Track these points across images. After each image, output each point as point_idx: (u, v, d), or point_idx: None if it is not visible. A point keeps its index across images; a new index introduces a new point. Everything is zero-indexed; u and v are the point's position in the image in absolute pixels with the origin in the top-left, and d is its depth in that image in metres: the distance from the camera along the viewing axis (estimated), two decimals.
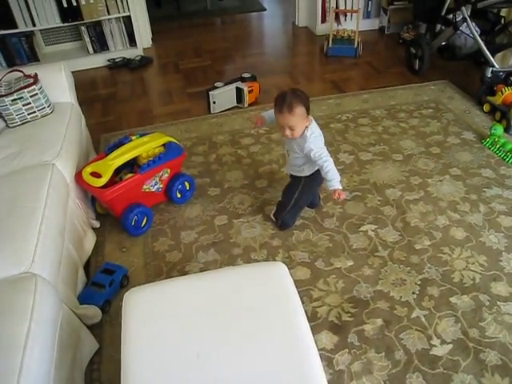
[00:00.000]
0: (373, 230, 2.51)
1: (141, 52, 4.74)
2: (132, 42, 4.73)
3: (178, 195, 2.71)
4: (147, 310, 1.48)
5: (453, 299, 2.15)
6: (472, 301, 2.14)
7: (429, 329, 2.03)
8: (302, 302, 1.53)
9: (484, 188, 2.80)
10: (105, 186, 2.36)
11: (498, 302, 2.14)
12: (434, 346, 1.97)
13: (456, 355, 1.93)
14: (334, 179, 2.14)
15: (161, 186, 2.63)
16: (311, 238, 2.47)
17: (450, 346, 1.96)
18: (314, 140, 2.16)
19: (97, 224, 2.60)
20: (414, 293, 2.18)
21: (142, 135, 2.63)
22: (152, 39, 5.05)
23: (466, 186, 2.82)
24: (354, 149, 3.16)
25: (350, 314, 2.08)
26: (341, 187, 2.15)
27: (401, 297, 2.16)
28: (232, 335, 1.39)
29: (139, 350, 1.37)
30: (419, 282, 2.22)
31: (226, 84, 3.60)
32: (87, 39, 4.61)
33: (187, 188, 2.75)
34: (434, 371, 1.87)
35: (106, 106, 3.92)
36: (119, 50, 4.72)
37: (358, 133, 3.33)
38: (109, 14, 4.50)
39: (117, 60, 4.63)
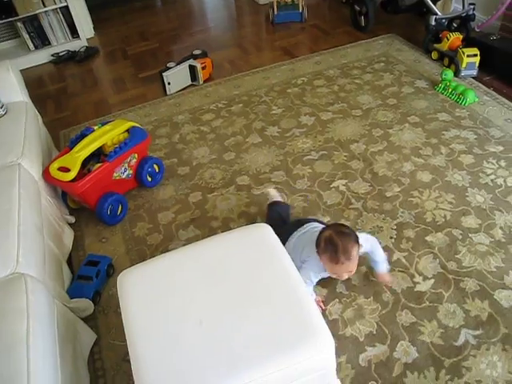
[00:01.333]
0: (344, 185, 2.59)
1: (85, 43, 4.62)
2: (74, 33, 4.59)
3: (149, 179, 2.71)
4: (143, 288, 1.50)
5: (428, 238, 2.26)
6: (446, 237, 2.26)
7: (410, 268, 2.13)
8: None
9: (443, 131, 2.92)
10: (74, 180, 2.34)
11: (470, 234, 2.26)
12: (418, 283, 2.07)
13: (438, 288, 2.05)
14: None
15: (130, 171, 2.62)
16: (286, 201, 2.52)
17: (432, 280, 2.08)
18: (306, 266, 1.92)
19: (72, 219, 2.58)
20: (391, 237, 2.28)
21: (103, 124, 2.60)
22: (94, 28, 4.92)
23: (425, 131, 2.93)
24: (313, 110, 3.21)
25: None
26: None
27: (380, 243, 2.24)
28: (231, 298, 1.43)
29: (142, 327, 1.40)
30: (395, 227, 2.33)
31: (178, 63, 3.57)
32: (26, 35, 4.42)
33: (156, 171, 2.75)
34: (420, 306, 1.98)
35: (59, 101, 3.83)
36: (62, 44, 4.59)
37: (315, 94, 3.38)
38: (44, 6, 4.31)
39: (61, 54, 4.51)
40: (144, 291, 1.49)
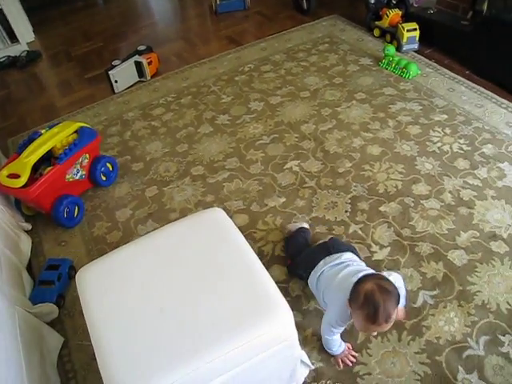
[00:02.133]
0: (297, 165, 2.64)
1: (25, 47, 4.48)
2: (12, 38, 4.43)
3: (103, 178, 2.69)
4: (102, 282, 1.50)
5: (382, 208, 2.33)
6: (399, 205, 2.34)
7: (367, 239, 2.20)
8: None
9: (389, 105, 3.00)
10: (26, 186, 2.31)
11: (421, 201, 2.35)
12: (375, 252, 2.14)
13: (395, 255, 2.12)
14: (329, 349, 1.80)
15: (83, 172, 2.59)
16: (241, 186, 2.56)
17: (388, 248, 2.15)
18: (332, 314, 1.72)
19: (28, 226, 2.54)
20: (346, 211, 2.34)
21: (51, 127, 2.56)
22: (34, 31, 4.77)
23: (372, 106, 3.00)
24: (262, 96, 3.24)
25: None
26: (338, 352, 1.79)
27: (336, 218, 2.31)
28: (189, 282, 1.45)
29: (104, 319, 1.40)
30: (349, 201, 2.39)
31: (123, 61, 3.52)
32: None
33: (110, 169, 2.73)
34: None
35: (4, 109, 3.72)
36: (1, 50, 4.45)
37: (263, 80, 3.41)
38: None
39: (1, 60, 4.37)
40: (103, 285, 1.49)
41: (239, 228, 2.09)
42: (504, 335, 1.82)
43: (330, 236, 2.19)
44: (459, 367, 1.75)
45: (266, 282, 1.43)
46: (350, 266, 1.76)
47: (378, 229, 2.24)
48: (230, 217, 2.27)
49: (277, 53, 3.73)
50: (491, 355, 1.77)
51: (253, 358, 1.37)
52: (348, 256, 1.83)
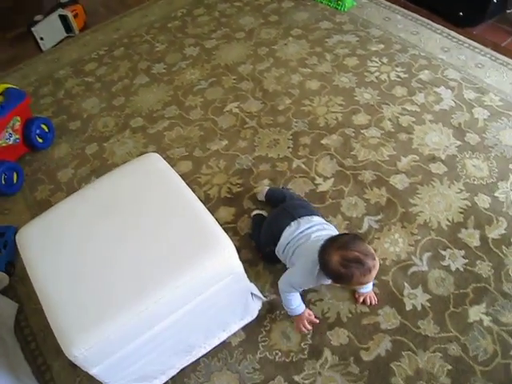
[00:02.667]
0: (236, 107, 2.61)
1: None
2: None
3: (40, 140, 2.59)
4: (43, 239, 1.47)
5: (324, 141, 2.35)
6: (340, 137, 2.36)
7: (310, 172, 2.22)
8: (193, 191, 1.58)
9: (326, 39, 2.97)
10: None
11: (362, 131, 2.37)
12: (319, 184, 2.17)
13: (339, 185, 2.16)
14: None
15: (17, 136, 2.48)
16: (183, 133, 2.52)
17: (332, 179, 2.18)
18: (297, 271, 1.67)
19: None
20: (289, 147, 2.35)
21: None
22: None
23: (309, 41, 2.97)
24: (197, 40, 3.15)
25: (238, 185, 2.21)
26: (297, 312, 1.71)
27: (278, 155, 2.31)
28: (131, 228, 1.43)
29: (48, 275, 1.38)
30: (291, 137, 2.39)
31: (46, 15, 3.32)
32: None
33: (46, 131, 2.62)
34: (324, 204, 2.09)
35: None
36: None
37: (196, 24, 3.30)
38: None
39: None
40: (43, 242, 1.46)
41: (184, 175, 2.09)
42: (445, 250, 1.90)
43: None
44: (405, 284, 1.82)
45: (205, 219, 1.43)
46: (323, 229, 1.71)
47: (321, 161, 2.26)
48: (174, 165, 2.28)
49: None
50: (434, 269, 1.85)
51: (202, 294, 1.39)
52: (319, 219, 1.78)
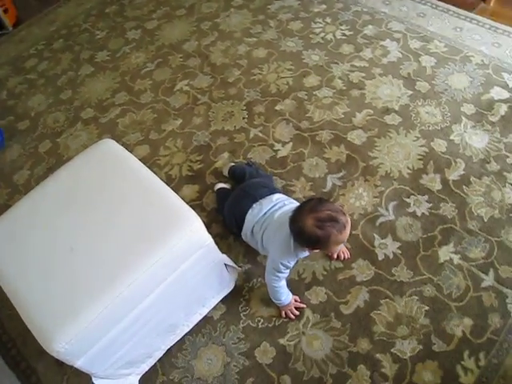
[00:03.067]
0: (187, 85, 2.57)
1: None
2: None
3: None
4: (6, 241, 1.43)
5: (278, 107, 2.35)
6: (293, 101, 2.36)
7: (268, 139, 2.22)
8: (155, 173, 1.55)
9: (267, 6, 2.95)
10: None
11: (314, 92, 2.38)
12: (278, 150, 2.18)
13: (298, 148, 2.17)
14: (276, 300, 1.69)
15: None
16: (136, 118, 2.47)
17: (290, 143, 2.19)
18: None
19: None
20: (244, 118, 2.34)
21: None
22: None
23: (250, 10, 2.94)
24: (138, 23, 3.07)
25: (199, 162, 2.20)
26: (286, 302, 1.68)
27: (235, 126, 2.30)
28: (95, 216, 1.41)
29: (16, 274, 1.36)
30: (244, 108, 2.38)
31: None
32: None
33: None
34: (286, 169, 2.10)
35: None
36: None
37: (135, 6, 3.21)
38: None
39: None
40: (7, 243, 1.43)
41: (143, 159, 2.06)
42: (409, 197, 1.94)
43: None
44: (374, 235, 1.86)
45: (168, 197, 1.42)
46: (283, 206, 1.69)
47: (278, 127, 2.26)
48: (131, 150, 2.25)
49: None
50: (400, 217, 1.89)
51: (176, 271, 1.39)
52: (278, 196, 1.75)
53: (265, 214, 1.69)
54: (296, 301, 1.72)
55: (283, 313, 1.70)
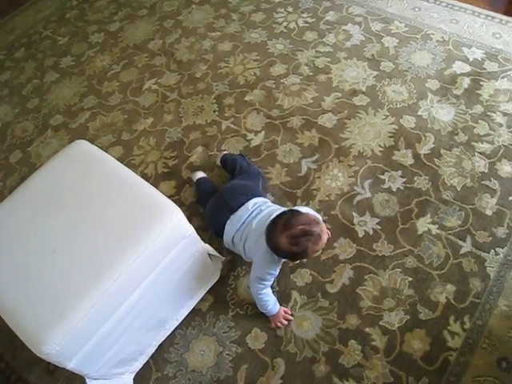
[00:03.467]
0: (154, 83, 2.57)
1: None
2: None
3: None
4: None
5: (247, 98, 2.37)
6: (262, 90, 2.38)
7: (240, 130, 2.24)
8: None
9: (229, 0, 2.95)
10: None
11: (281, 80, 2.41)
12: (251, 139, 2.20)
13: (270, 136, 2.19)
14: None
15: None
16: (106, 120, 2.46)
17: (263, 132, 2.22)
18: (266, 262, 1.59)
19: None
20: (214, 111, 2.35)
21: None
22: None
23: (212, 5, 2.95)
24: (100, 26, 3.04)
25: (173, 158, 2.21)
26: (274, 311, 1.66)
27: (206, 120, 2.31)
28: (75, 216, 1.41)
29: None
30: (214, 101, 2.40)
31: None
32: None
33: None
34: (260, 157, 2.13)
35: None
36: None
37: (96, 10, 3.18)
38: None
39: None
40: None
41: (117, 160, 2.03)
42: (383, 174, 1.99)
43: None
44: (353, 213, 1.89)
45: (146, 191, 1.43)
46: (260, 212, 1.68)
47: (249, 117, 2.28)
48: (105, 151, 2.22)
49: None
50: (377, 194, 1.93)
51: (160, 263, 1.40)
52: (254, 201, 1.72)
53: (243, 223, 1.68)
54: (286, 312, 1.69)
55: (272, 324, 1.69)
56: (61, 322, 1.23)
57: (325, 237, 1.48)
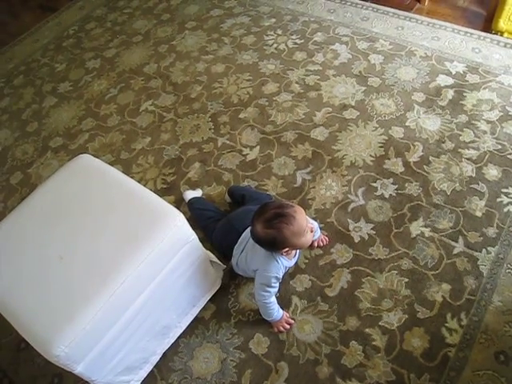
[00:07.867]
0: (151, 105, 2.65)
1: None
2: None
3: None
4: None
5: (241, 115, 2.45)
6: (256, 108, 2.47)
7: (236, 145, 2.32)
8: None
9: (220, 25, 3.07)
10: None
11: (274, 98, 2.50)
12: (247, 154, 2.27)
13: (265, 150, 2.27)
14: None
15: None
16: (105, 141, 2.52)
17: (258, 147, 2.29)
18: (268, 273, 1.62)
19: None
20: (210, 129, 2.43)
21: None
22: None
23: (204, 30, 3.06)
24: (96, 53, 3.13)
25: (172, 174, 2.27)
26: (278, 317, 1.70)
27: (202, 138, 2.39)
28: (81, 226, 1.45)
29: (7, 292, 1.38)
30: (210, 119, 2.48)
31: None
32: None
33: None
34: (256, 170, 2.20)
35: None
36: None
37: (92, 38, 3.28)
38: None
39: None
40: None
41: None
42: (375, 182, 2.06)
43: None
44: (348, 220, 1.95)
45: (149, 198, 1.49)
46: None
47: (244, 134, 2.36)
48: None
49: (97, 7, 3.57)
50: (370, 201, 2.00)
51: (164, 268, 1.45)
52: None
53: (247, 242, 1.72)
54: (287, 317, 1.73)
55: (275, 328, 1.72)
56: (69, 325, 1.26)
57: (301, 217, 1.50)
